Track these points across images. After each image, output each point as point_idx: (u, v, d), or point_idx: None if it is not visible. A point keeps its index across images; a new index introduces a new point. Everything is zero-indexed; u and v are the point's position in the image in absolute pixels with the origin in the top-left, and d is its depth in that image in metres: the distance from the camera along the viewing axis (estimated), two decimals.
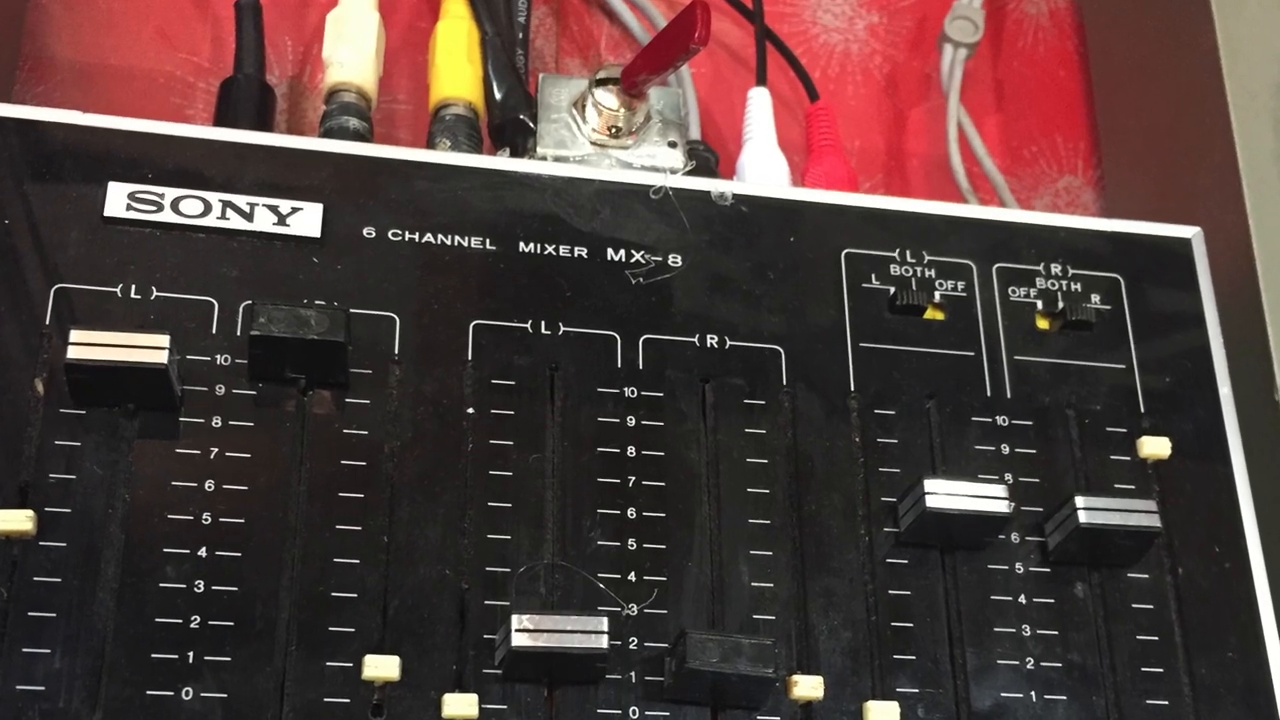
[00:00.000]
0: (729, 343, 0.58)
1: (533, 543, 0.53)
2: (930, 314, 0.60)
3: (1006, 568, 0.56)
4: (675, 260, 0.59)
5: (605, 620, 0.50)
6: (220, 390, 0.53)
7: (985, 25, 0.78)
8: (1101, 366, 0.60)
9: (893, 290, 0.60)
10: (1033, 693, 0.54)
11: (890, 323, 0.59)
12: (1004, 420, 0.58)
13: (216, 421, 0.52)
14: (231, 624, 0.50)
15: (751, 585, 0.54)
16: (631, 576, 0.53)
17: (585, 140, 0.63)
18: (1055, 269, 0.62)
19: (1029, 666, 0.55)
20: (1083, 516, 0.55)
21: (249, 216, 0.56)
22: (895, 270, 0.60)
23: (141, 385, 0.51)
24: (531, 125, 0.64)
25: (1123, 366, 0.60)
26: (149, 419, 0.52)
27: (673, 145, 0.64)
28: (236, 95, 0.66)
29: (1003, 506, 0.54)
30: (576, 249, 0.58)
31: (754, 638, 0.51)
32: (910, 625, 0.55)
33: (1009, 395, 0.59)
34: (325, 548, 0.51)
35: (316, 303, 0.54)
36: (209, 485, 0.51)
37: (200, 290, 0.54)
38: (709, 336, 0.58)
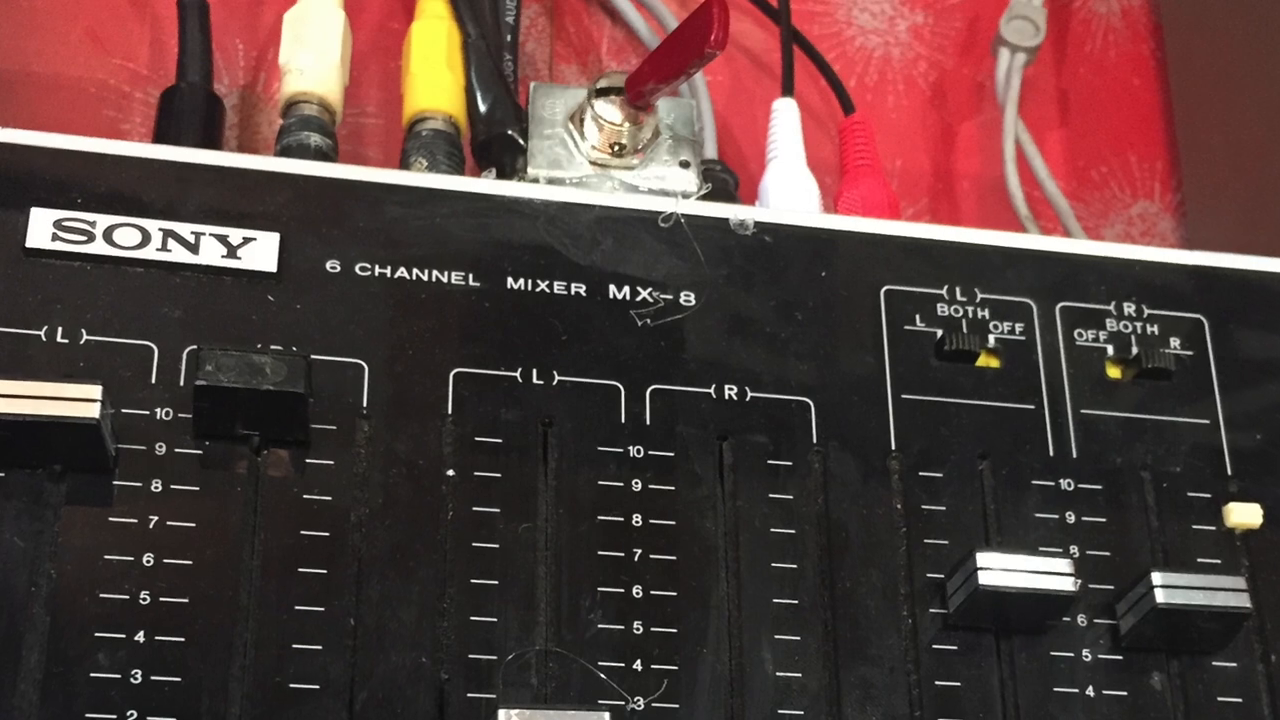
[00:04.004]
0: (750, 394, 0.58)
1: (523, 626, 0.53)
2: (983, 361, 0.60)
3: (1072, 655, 0.56)
4: (688, 298, 0.59)
5: (606, 715, 0.50)
6: (160, 449, 0.53)
7: (1047, 26, 0.78)
8: (1182, 421, 0.61)
9: (940, 333, 0.60)
10: None
11: (937, 371, 0.60)
12: (1069, 484, 0.59)
13: (156, 485, 0.53)
14: None
15: (776, 675, 0.54)
16: (637, 665, 0.54)
17: (584, 159, 0.64)
18: (1128, 309, 0.62)
19: None
20: (1160, 596, 0.55)
21: (194, 248, 0.56)
22: (943, 310, 0.61)
23: (69, 443, 0.51)
24: (521, 142, 0.65)
25: (1207, 422, 0.61)
26: (78, 482, 0.52)
27: (685, 165, 0.65)
28: (179, 107, 0.67)
29: (1067, 584, 0.55)
30: (574, 285, 0.59)
31: None
32: None
33: (1075, 455, 0.59)
34: (282, 631, 0.52)
35: (272, 348, 0.55)
36: (148, 559, 0.52)
37: (137, 333, 0.55)
38: (727, 387, 0.58)
